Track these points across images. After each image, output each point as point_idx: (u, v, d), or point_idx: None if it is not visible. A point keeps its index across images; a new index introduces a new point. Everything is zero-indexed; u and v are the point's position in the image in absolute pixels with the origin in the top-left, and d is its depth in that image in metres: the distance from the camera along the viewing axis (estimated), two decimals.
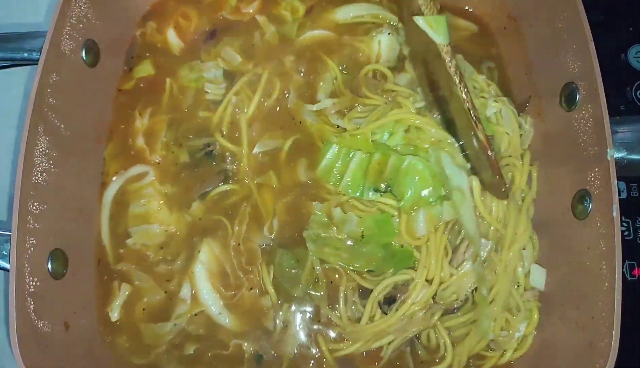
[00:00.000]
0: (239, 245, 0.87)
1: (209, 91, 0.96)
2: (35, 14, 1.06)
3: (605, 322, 0.71)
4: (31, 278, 0.74)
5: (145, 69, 0.97)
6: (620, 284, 0.71)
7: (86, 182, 0.89)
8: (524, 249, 0.86)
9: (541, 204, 0.89)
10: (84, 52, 0.87)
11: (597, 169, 0.77)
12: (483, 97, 0.92)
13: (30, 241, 0.74)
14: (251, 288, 0.86)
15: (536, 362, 0.84)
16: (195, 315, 0.85)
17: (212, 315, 0.85)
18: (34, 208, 0.76)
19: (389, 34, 0.97)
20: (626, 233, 1.00)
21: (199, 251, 0.87)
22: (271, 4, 1.01)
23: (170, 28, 1.00)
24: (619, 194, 1.01)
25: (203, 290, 0.85)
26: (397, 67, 0.97)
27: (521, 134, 0.92)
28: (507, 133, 0.90)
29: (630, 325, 0.88)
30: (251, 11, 1.01)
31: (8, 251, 0.73)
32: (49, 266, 0.78)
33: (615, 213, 0.72)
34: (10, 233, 0.73)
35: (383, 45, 0.97)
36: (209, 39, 0.99)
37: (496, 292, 0.83)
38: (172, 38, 1.00)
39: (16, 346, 0.69)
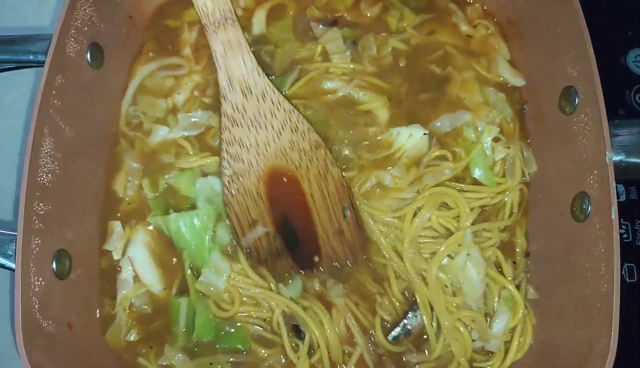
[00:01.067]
0: None
1: None
2: (41, 18, 1.07)
3: (604, 322, 0.72)
4: (36, 278, 0.75)
5: None
6: (619, 285, 0.72)
7: (90, 183, 0.90)
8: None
9: (540, 207, 0.90)
10: (88, 55, 0.88)
11: (595, 172, 0.78)
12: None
13: (36, 242, 0.76)
14: None
15: (536, 363, 0.84)
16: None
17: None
18: (39, 208, 0.77)
19: None
20: (625, 235, 1.01)
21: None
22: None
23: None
24: (618, 197, 1.02)
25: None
26: None
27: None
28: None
29: (630, 327, 0.90)
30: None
31: (14, 251, 0.74)
32: (54, 266, 0.79)
33: (614, 215, 0.73)
34: (15, 233, 0.74)
35: None
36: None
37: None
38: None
39: (22, 345, 0.70)
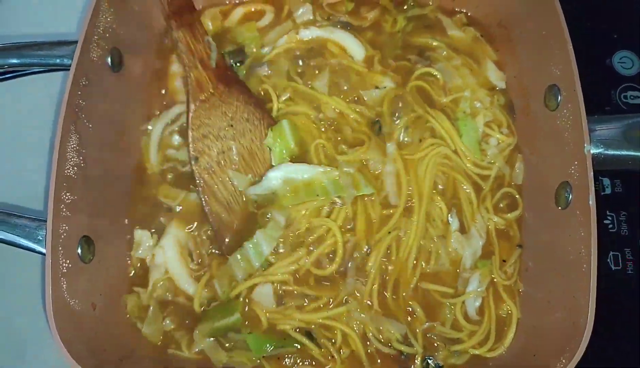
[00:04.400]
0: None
1: None
2: (66, 25, 1.15)
3: (584, 300, 0.78)
4: (64, 260, 0.82)
5: None
6: (596, 265, 0.78)
7: (112, 177, 0.97)
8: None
9: (528, 196, 0.97)
10: (109, 59, 0.96)
11: (576, 163, 0.84)
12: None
13: (63, 227, 0.83)
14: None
15: (525, 343, 0.90)
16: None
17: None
18: (66, 198, 0.84)
19: None
20: (610, 226, 1.07)
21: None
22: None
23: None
24: (604, 190, 1.09)
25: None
26: None
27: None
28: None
29: (615, 312, 0.96)
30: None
31: (43, 237, 0.82)
32: (79, 250, 0.86)
33: (592, 201, 0.80)
34: (46, 220, 0.81)
35: None
36: None
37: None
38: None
39: (52, 320, 0.77)
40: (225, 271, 0.92)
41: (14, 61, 0.95)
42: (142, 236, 0.97)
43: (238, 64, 1.04)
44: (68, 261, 0.83)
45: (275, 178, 0.93)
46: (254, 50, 1.05)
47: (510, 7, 1.05)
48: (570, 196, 0.85)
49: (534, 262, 0.94)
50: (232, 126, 0.95)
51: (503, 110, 1.03)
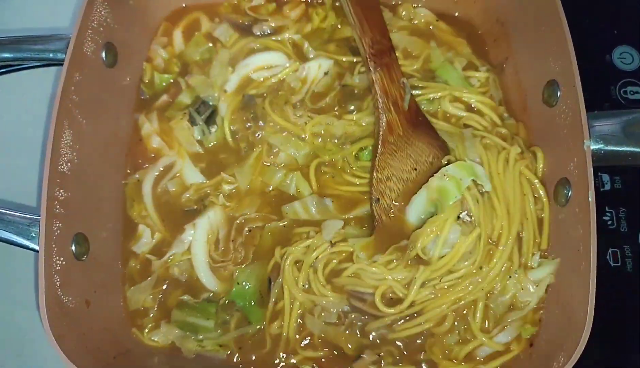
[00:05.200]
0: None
1: None
2: (60, 19, 1.14)
3: (583, 296, 0.77)
4: (57, 257, 0.81)
5: None
6: (595, 262, 0.76)
7: (107, 173, 0.96)
8: None
9: None
10: (103, 54, 0.94)
11: (575, 159, 0.83)
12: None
13: (57, 224, 0.82)
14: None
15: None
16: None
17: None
18: (60, 194, 0.83)
19: None
20: (610, 222, 1.06)
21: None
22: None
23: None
24: (603, 186, 1.08)
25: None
26: None
27: None
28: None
29: (613, 307, 0.95)
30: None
31: (37, 234, 0.81)
32: (73, 248, 0.85)
33: (591, 198, 0.79)
34: (39, 217, 0.80)
35: None
36: None
37: None
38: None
39: (45, 317, 0.76)
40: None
41: (7, 55, 0.94)
42: (144, 231, 0.97)
43: (212, 128, 1.01)
44: (62, 259, 0.82)
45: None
46: (211, 94, 1.03)
47: (508, 3, 1.04)
48: (570, 193, 0.84)
49: None
50: (415, 169, 0.94)
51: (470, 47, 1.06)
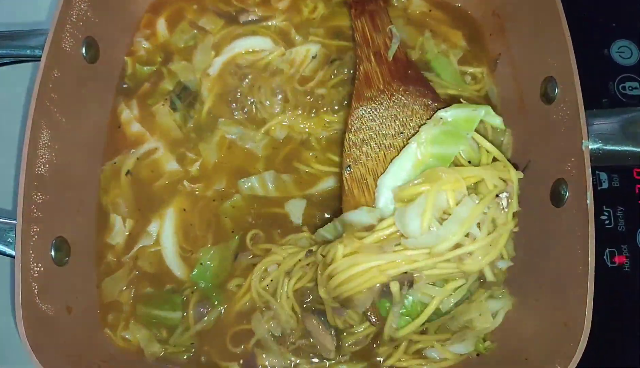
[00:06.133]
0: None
1: None
2: (37, 13, 1.09)
3: (579, 302, 0.74)
4: (35, 264, 0.78)
5: None
6: (594, 265, 0.74)
7: (87, 174, 0.93)
8: None
9: (522, 193, 0.92)
10: (84, 49, 0.91)
11: (573, 159, 0.80)
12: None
13: (34, 229, 0.79)
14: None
15: (512, 344, 0.87)
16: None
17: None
18: (38, 197, 0.80)
19: None
20: (607, 222, 1.03)
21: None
22: None
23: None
24: (601, 185, 1.06)
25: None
26: None
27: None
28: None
29: (609, 309, 0.93)
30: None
31: (13, 239, 0.77)
32: (52, 253, 0.81)
33: (589, 200, 0.76)
34: (15, 222, 0.77)
35: None
36: None
37: None
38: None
39: (22, 328, 0.73)
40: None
41: None
42: (115, 219, 0.94)
43: (193, 113, 1.00)
44: (40, 265, 0.79)
45: None
46: (192, 79, 1.01)
47: None
48: (567, 194, 0.81)
49: (527, 262, 0.90)
50: (402, 133, 0.77)
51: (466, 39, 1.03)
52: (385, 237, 0.72)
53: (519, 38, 0.98)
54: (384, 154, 0.77)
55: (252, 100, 1.00)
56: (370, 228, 0.74)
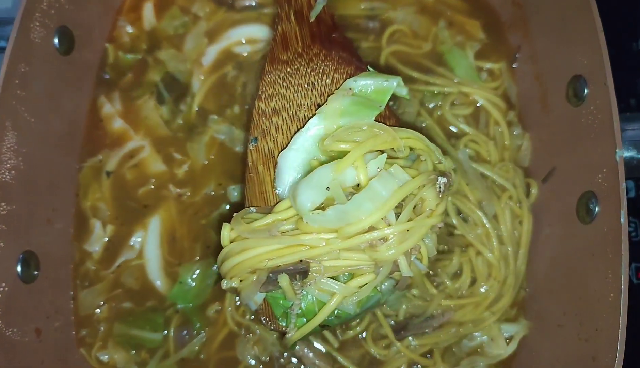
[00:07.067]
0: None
1: None
2: (2, 0, 1.00)
3: (610, 335, 0.67)
4: None
5: None
6: (627, 296, 0.66)
7: (62, 177, 0.85)
8: None
9: (543, 206, 0.84)
10: (56, 40, 0.82)
11: (604, 170, 0.72)
12: None
13: None
14: None
15: None
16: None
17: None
18: (2, 208, 0.72)
19: None
20: (633, 234, 0.97)
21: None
22: None
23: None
24: (627, 193, 0.96)
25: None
26: None
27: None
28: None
29: (637, 331, 0.85)
30: None
31: None
32: (19, 269, 0.74)
33: (623, 219, 0.67)
34: None
35: None
36: None
37: None
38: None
39: None
40: None
41: None
42: (94, 224, 0.87)
43: (182, 107, 0.92)
44: (4, 285, 0.71)
45: None
46: (181, 69, 0.93)
47: None
48: (597, 209, 0.73)
49: (548, 282, 0.82)
50: (319, 105, 0.68)
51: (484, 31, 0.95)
52: (282, 220, 0.62)
53: (542, 30, 0.88)
54: (297, 127, 0.68)
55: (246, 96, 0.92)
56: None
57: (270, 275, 0.61)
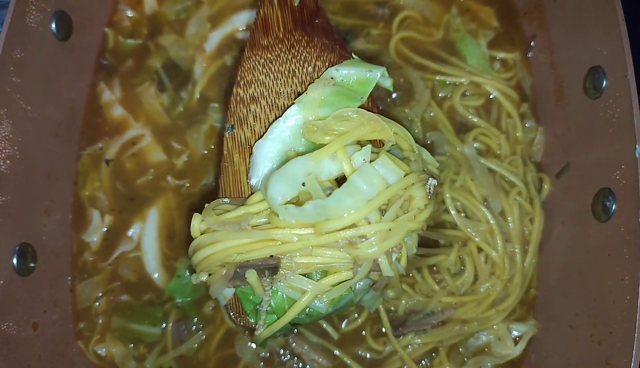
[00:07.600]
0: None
1: None
2: None
3: (625, 338, 0.65)
4: None
5: None
6: None
7: (59, 167, 0.83)
8: None
9: (556, 202, 0.81)
10: (53, 25, 0.80)
11: (623, 167, 0.69)
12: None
13: None
14: None
15: None
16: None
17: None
18: None
19: None
20: None
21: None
22: None
23: None
24: None
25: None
26: None
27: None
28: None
29: None
30: None
31: None
32: (15, 262, 0.72)
33: None
34: None
35: None
36: None
37: None
38: None
39: None
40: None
41: None
42: (93, 214, 0.85)
43: (183, 94, 0.89)
44: None
45: None
46: (183, 55, 0.90)
47: None
48: (613, 207, 0.70)
49: (561, 281, 0.79)
50: (299, 94, 0.65)
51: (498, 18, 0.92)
52: (253, 213, 0.59)
53: (559, 18, 0.85)
54: (276, 116, 0.65)
55: None
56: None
57: (238, 270, 0.59)
